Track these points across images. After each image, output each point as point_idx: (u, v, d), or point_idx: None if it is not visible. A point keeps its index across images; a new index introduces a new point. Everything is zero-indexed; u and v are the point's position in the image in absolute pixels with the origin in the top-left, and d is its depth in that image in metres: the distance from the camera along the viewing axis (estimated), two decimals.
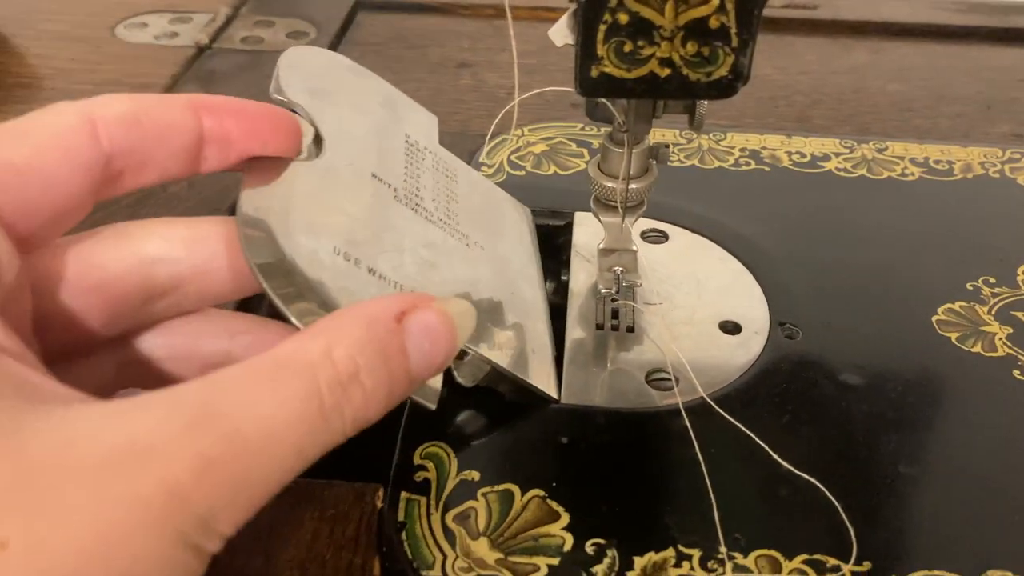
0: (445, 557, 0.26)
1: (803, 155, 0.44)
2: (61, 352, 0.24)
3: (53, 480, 0.17)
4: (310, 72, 0.30)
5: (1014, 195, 0.42)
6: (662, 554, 0.26)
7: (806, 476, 0.28)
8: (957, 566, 0.26)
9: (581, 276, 0.37)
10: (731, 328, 0.34)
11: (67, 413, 0.19)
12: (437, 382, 0.26)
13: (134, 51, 0.54)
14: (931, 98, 0.52)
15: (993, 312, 0.35)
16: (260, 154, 0.26)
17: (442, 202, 0.32)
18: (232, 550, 0.26)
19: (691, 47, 0.26)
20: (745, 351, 0.33)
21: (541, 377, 0.31)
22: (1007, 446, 0.30)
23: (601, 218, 0.34)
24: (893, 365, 0.33)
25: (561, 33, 0.29)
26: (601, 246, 0.35)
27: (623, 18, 0.25)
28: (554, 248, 0.39)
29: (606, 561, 0.26)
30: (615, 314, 0.34)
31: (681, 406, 0.30)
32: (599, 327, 0.34)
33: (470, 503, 0.27)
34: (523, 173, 0.43)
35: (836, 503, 0.27)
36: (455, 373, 0.30)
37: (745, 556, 0.26)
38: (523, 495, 0.28)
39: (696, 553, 0.26)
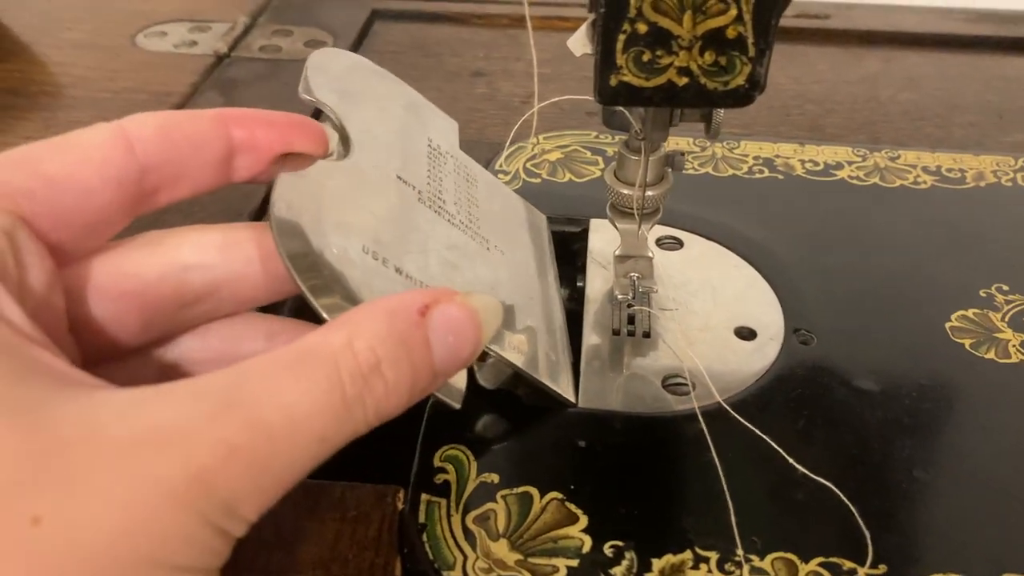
0: (466, 558, 0.26)
1: (816, 163, 0.45)
2: (99, 356, 0.25)
3: (82, 459, 0.18)
4: (337, 74, 0.31)
5: None
6: (680, 556, 0.27)
7: (821, 480, 0.28)
8: (972, 570, 0.27)
9: (597, 282, 0.37)
10: (746, 334, 0.35)
11: (94, 396, 0.19)
12: (461, 381, 0.27)
13: (154, 59, 0.55)
14: (943, 107, 0.52)
15: (1007, 319, 0.35)
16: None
17: (463, 206, 0.33)
18: (256, 549, 0.27)
19: (709, 56, 0.26)
20: (760, 357, 0.34)
21: (559, 381, 0.31)
22: (1021, 451, 0.30)
23: (617, 225, 0.35)
24: (907, 371, 0.33)
25: (580, 43, 0.29)
26: (617, 252, 0.35)
27: (642, 28, 0.25)
28: (570, 254, 0.39)
29: (624, 563, 0.26)
30: (631, 319, 0.35)
31: (698, 411, 0.30)
32: (615, 332, 0.35)
33: (490, 505, 0.28)
34: (539, 180, 0.43)
35: (851, 507, 0.28)
36: (477, 375, 0.31)
37: (762, 559, 0.27)
38: (542, 497, 0.28)
39: (713, 555, 0.27)
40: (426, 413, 0.31)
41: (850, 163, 0.45)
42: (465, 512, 0.28)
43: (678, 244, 0.39)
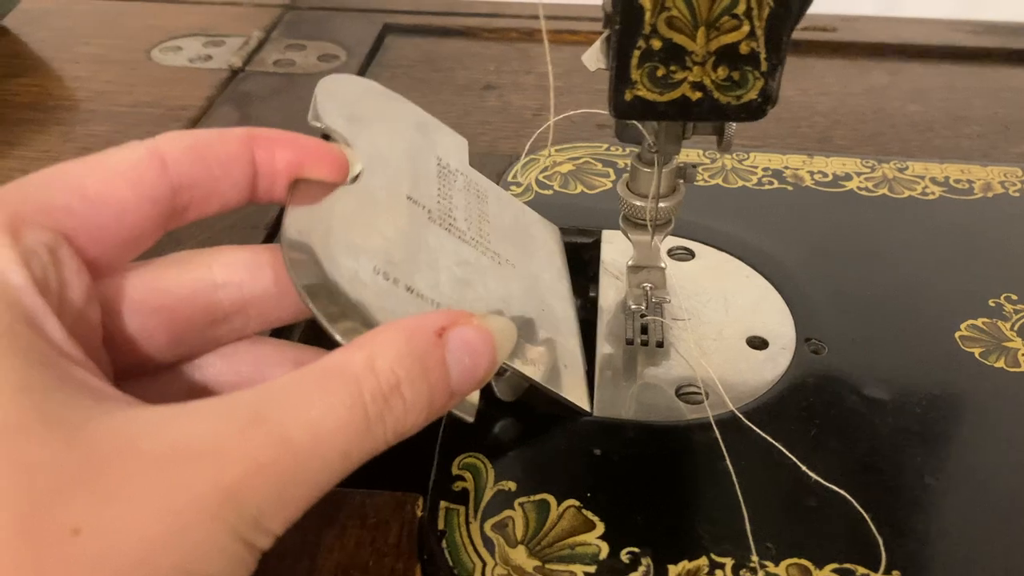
0: (484, 564, 0.27)
1: (825, 174, 0.45)
2: (129, 371, 0.25)
3: (119, 471, 0.18)
4: (346, 99, 0.31)
5: None
6: (695, 562, 0.27)
7: (834, 487, 0.28)
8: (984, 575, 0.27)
9: (610, 293, 0.38)
10: (758, 344, 0.35)
11: (128, 412, 0.20)
12: (475, 396, 0.27)
13: (169, 74, 0.55)
14: (950, 119, 0.53)
15: (1015, 328, 0.36)
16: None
17: (474, 222, 0.33)
18: (279, 556, 0.27)
19: (722, 71, 0.27)
20: (773, 366, 0.34)
21: (574, 391, 0.32)
22: None
23: (630, 236, 0.35)
24: (917, 380, 0.34)
25: (594, 58, 0.30)
26: (630, 263, 0.36)
27: (656, 44, 0.26)
28: (582, 265, 0.40)
29: (641, 569, 0.27)
30: (644, 329, 0.35)
31: (712, 419, 0.31)
32: (629, 342, 0.35)
33: (507, 512, 0.28)
34: (551, 192, 0.44)
35: (864, 513, 0.28)
36: (495, 388, 0.31)
37: (776, 564, 0.27)
38: (559, 505, 0.29)
39: (729, 562, 0.27)
40: (444, 422, 0.31)
41: (859, 174, 0.45)
42: (483, 519, 0.28)
43: (690, 255, 0.40)
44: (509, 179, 0.44)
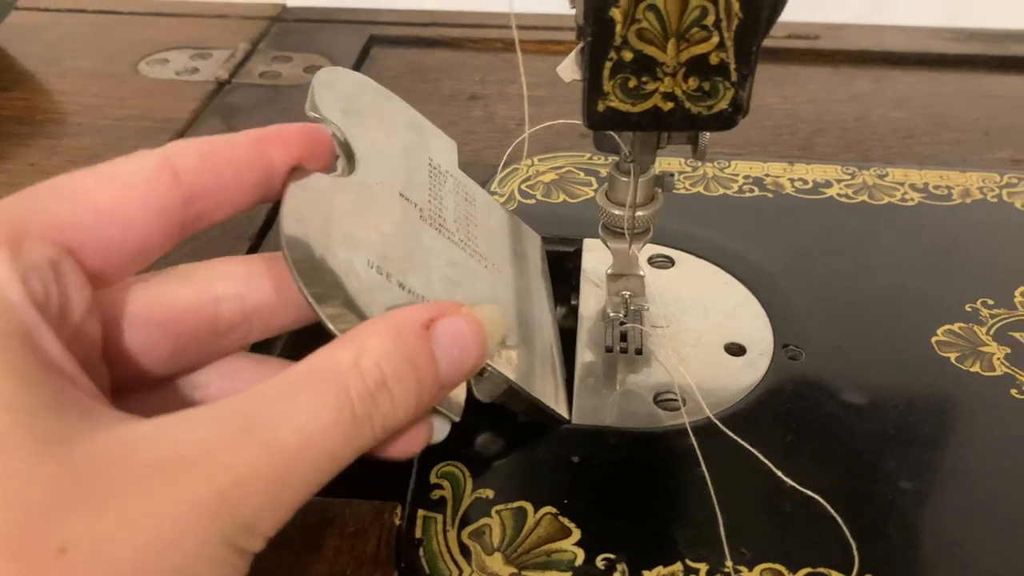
0: (461, 572, 0.27)
1: (805, 181, 0.45)
2: (129, 384, 0.26)
3: (112, 484, 0.19)
4: (343, 92, 0.31)
5: (1011, 219, 0.43)
6: (670, 568, 0.27)
7: (809, 492, 0.29)
8: None
9: (590, 301, 0.38)
10: (736, 350, 0.35)
11: (120, 427, 0.20)
12: (461, 395, 0.27)
13: (156, 87, 0.56)
14: (932, 125, 0.53)
15: (991, 333, 0.36)
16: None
17: (462, 224, 0.33)
18: (256, 566, 0.27)
19: (693, 82, 0.27)
20: (750, 372, 0.34)
21: (552, 398, 0.32)
22: (1005, 463, 0.31)
23: (609, 244, 0.36)
24: (894, 385, 0.34)
25: (569, 69, 0.30)
26: (609, 271, 0.36)
27: (628, 56, 0.26)
28: (564, 273, 0.40)
29: (616, 575, 0.27)
30: (623, 337, 0.35)
31: (688, 426, 0.31)
32: (608, 350, 0.35)
33: (485, 520, 0.29)
34: (533, 201, 0.44)
35: (838, 518, 0.28)
36: (474, 388, 0.31)
37: (750, 569, 0.27)
38: (536, 512, 0.29)
39: (703, 567, 0.27)
40: None
41: (839, 181, 0.46)
42: (461, 527, 0.28)
43: (670, 263, 0.40)
44: (491, 189, 0.44)
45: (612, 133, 0.32)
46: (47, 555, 0.17)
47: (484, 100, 0.55)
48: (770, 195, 0.44)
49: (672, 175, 0.35)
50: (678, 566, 0.27)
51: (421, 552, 0.28)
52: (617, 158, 0.34)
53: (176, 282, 0.26)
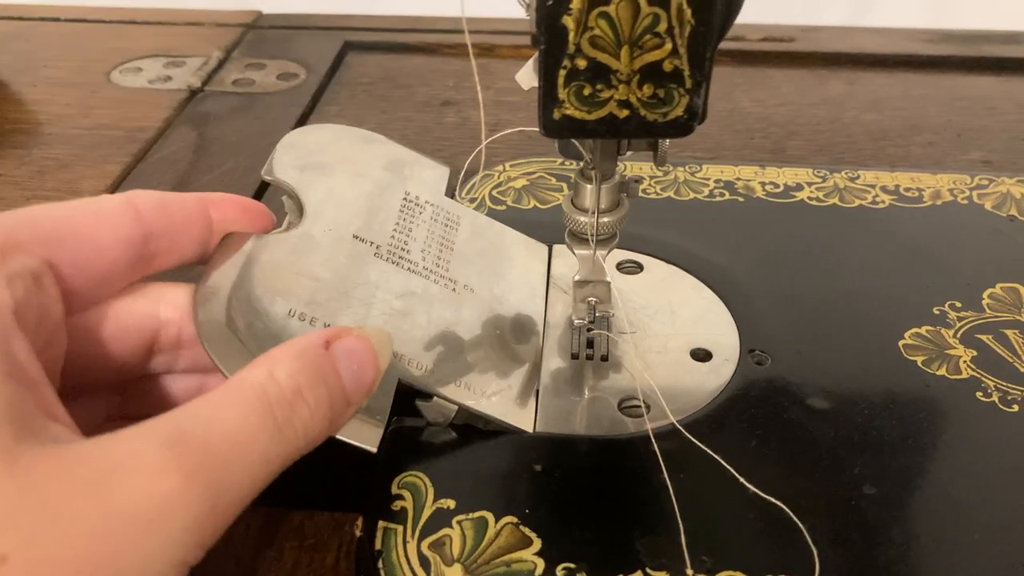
0: None
1: (776, 185, 0.45)
2: (82, 390, 0.28)
3: (51, 498, 0.19)
4: (308, 149, 0.34)
5: (981, 221, 0.43)
6: None
7: (771, 499, 0.29)
8: None
9: (558, 307, 0.38)
10: (702, 355, 0.35)
11: (60, 444, 0.21)
12: (379, 426, 0.28)
13: (129, 95, 0.55)
14: (904, 127, 0.53)
15: (959, 336, 0.36)
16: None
17: (432, 252, 0.35)
18: None
19: (647, 89, 0.27)
20: (715, 377, 0.34)
21: (511, 411, 0.32)
22: (969, 466, 0.31)
23: (575, 251, 0.35)
24: (860, 389, 0.34)
25: (528, 76, 0.30)
26: (576, 278, 0.36)
27: (581, 63, 0.26)
28: None
29: None
30: (590, 343, 0.35)
31: (651, 432, 0.31)
32: (574, 356, 0.35)
33: (445, 530, 0.28)
34: (503, 207, 0.44)
35: (800, 525, 0.28)
36: (424, 414, 0.31)
37: None
38: (497, 522, 0.29)
39: (664, 575, 0.27)
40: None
41: (810, 184, 0.46)
42: (421, 538, 0.28)
43: (638, 268, 0.40)
44: (462, 195, 0.44)
45: (574, 140, 0.32)
46: None
47: (457, 106, 0.55)
48: (741, 199, 0.44)
49: (637, 181, 0.35)
50: (639, 574, 0.27)
51: (380, 564, 0.27)
52: (581, 164, 0.34)
53: (126, 297, 0.28)
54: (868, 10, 0.75)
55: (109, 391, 0.29)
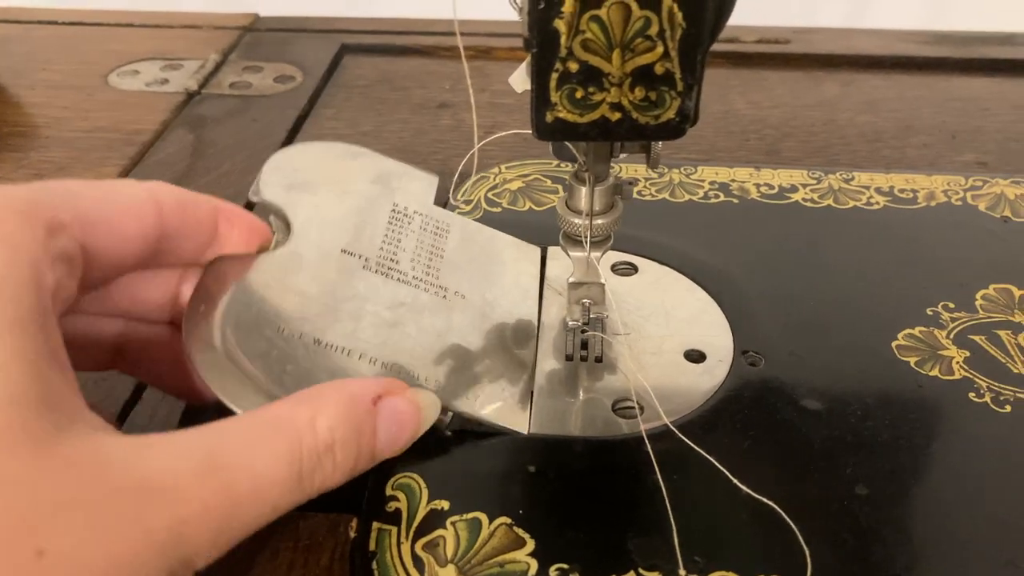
0: None
1: (771, 187, 0.46)
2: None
3: (88, 499, 0.20)
4: (294, 168, 0.35)
5: (975, 222, 0.43)
6: None
7: (763, 499, 0.29)
8: None
9: (553, 309, 0.38)
10: (696, 357, 0.35)
11: (98, 437, 0.21)
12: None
13: (126, 98, 0.56)
14: (899, 129, 0.53)
15: (952, 336, 0.36)
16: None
17: (422, 261, 0.35)
18: None
19: (639, 92, 0.27)
20: (709, 379, 0.34)
21: (507, 415, 0.32)
22: (962, 466, 0.31)
23: (570, 253, 0.35)
24: (853, 390, 0.34)
25: (520, 79, 0.30)
26: (571, 280, 0.36)
27: (573, 66, 0.26)
28: None
29: None
30: (584, 345, 0.35)
31: (644, 433, 0.31)
32: (568, 358, 0.35)
33: (439, 531, 0.28)
34: (499, 209, 0.44)
35: (792, 525, 0.28)
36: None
37: None
38: (491, 523, 0.29)
39: (656, 575, 0.27)
40: None
41: (805, 186, 0.46)
42: (415, 539, 0.28)
43: (633, 270, 0.40)
44: (457, 197, 0.44)
45: (567, 143, 0.32)
46: (27, 556, 0.18)
47: (453, 108, 0.55)
48: (736, 201, 0.45)
49: (631, 183, 0.35)
50: (631, 574, 0.27)
51: (374, 565, 0.28)
52: (575, 167, 0.34)
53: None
54: (863, 12, 0.75)
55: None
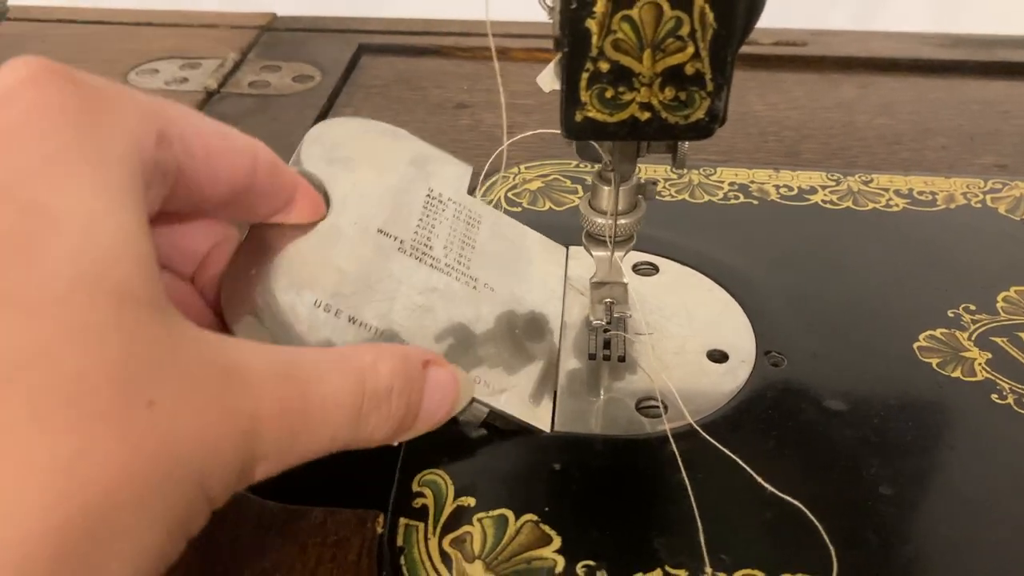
0: None
1: (790, 188, 0.46)
2: None
3: (191, 367, 0.21)
4: (334, 142, 0.35)
5: (995, 224, 0.43)
6: (650, 574, 0.27)
7: (789, 498, 0.29)
8: None
9: (575, 309, 0.38)
10: (719, 357, 0.36)
11: (198, 330, 0.22)
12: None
13: None
14: (917, 131, 0.54)
15: (973, 338, 0.36)
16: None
17: (455, 249, 0.35)
18: (240, 574, 0.28)
19: (669, 92, 0.27)
20: (732, 379, 0.35)
21: (532, 412, 0.32)
22: (985, 467, 0.31)
23: (592, 252, 0.36)
24: (875, 391, 0.34)
25: (548, 79, 0.30)
26: (593, 279, 0.36)
27: (604, 66, 0.27)
28: None
29: None
30: (607, 344, 0.36)
31: (669, 433, 0.31)
32: (591, 357, 0.35)
33: (466, 528, 0.29)
34: (519, 209, 0.44)
35: (818, 524, 0.28)
36: (457, 416, 0.32)
37: (730, 575, 0.27)
38: (517, 520, 0.29)
39: (683, 573, 0.27)
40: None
41: (824, 187, 0.46)
42: (442, 535, 0.28)
43: (654, 270, 0.40)
44: (477, 197, 0.45)
45: (593, 142, 0.32)
46: (139, 405, 0.19)
47: (472, 108, 0.56)
48: (755, 202, 0.45)
49: (654, 183, 0.35)
50: (658, 572, 0.27)
51: (402, 560, 0.28)
52: (599, 167, 0.34)
53: None
54: (880, 14, 0.75)
55: None
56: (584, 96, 0.27)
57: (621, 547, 0.28)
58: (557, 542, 0.28)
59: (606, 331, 0.36)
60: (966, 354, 0.36)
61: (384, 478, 0.31)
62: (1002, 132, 0.53)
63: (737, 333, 0.37)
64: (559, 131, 0.29)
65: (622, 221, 0.34)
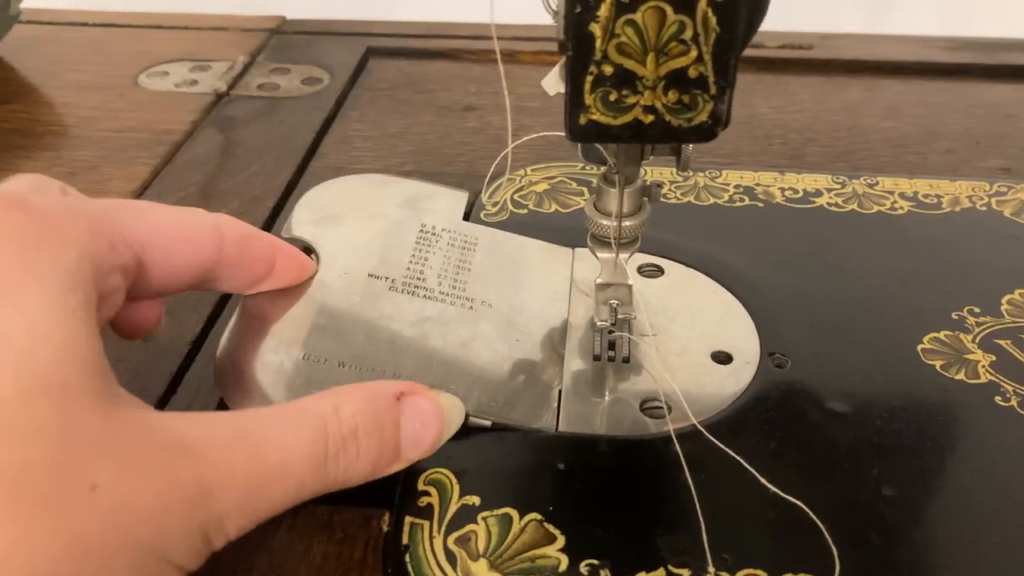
0: None
1: (796, 191, 0.46)
2: None
3: (135, 449, 0.22)
4: (323, 204, 0.37)
5: (1000, 227, 0.43)
6: (653, 573, 0.28)
7: (792, 499, 0.29)
8: None
9: (580, 310, 0.38)
10: (723, 358, 0.36)
11: (140, 409, 0.24)
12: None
13: (155, 99, 0.56)
14: (923, 134, 0.54)
15: (977, 341, 0.36)
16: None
17: (449, 275, 0.37)
18: (247, 571, 0.28)
19: (672, 95, 0.27)
20: (736, 380, 0.35)
21: (533, 415, 0.33)
22: (988, 469, 0.31)
23: (597, 254, 0.36)
24: (878, 393, 0.34)
25: (553, 82, 0.31)
26: (598, 281, 0.37)
27: (608, 70, 0.27)
28: None
29: None
30: (611, 345, 0.36)
31: (673, 433, 0.31)
32: (596, 358, 0.36)
33: (471, 526, 0.29)
34: (525, 211, 0.44)
35: (820, 524, 0.29)
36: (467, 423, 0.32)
37: (732, 575, 0.28)
38: (521, 519, 0.29)
39: (685, 572, 0.28)
40: None
41: (829, 190, 0.46)
42: (447, 533, 0.29)
43: (659, 272, 0.40)
44: (485, 198, 0.45)
45: (597, 145, 0.33)
46: (83, 487, 0.21)
47: (479, 111, 0.56)
48: (760, 204, 0.45)
49: (659, 185, 0.35)
50: (661, 572, 0.28)
51: (407, 558, 0.28)
52: (604, 169, 0.34)
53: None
54: (886, 18, 0.75)
55: None
56: (588, 99, 0.28)
57: (624, 546, 0.28)
58: (561, 541, 0.28)
59: (611, 332, 0.36)
60: (970, 356, 0.36)
61: (389, 477, 0.31)
62: (1008, 135, 0.53)
63: (741, 335, 0.37)
64: (559, 134, 0.29)
65: (627, 223, 0.34)
